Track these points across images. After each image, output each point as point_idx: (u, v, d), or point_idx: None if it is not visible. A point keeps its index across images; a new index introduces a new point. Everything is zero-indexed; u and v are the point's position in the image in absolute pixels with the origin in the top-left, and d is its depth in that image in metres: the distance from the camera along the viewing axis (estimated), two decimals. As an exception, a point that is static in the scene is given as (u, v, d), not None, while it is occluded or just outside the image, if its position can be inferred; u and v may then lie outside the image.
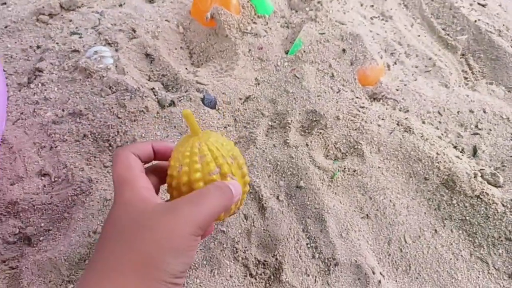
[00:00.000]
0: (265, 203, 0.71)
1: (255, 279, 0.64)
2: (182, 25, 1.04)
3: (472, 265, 0.69)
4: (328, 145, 0.80)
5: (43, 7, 0.97)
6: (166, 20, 1.02)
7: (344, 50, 0.94)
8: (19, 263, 0.61)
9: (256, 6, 1.03)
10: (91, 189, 0.69)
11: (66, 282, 0.59)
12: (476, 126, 0.87)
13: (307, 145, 0.78)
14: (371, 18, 1.14)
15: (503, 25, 1.14)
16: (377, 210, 0.73)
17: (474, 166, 0.78)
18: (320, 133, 0.80)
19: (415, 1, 1.24)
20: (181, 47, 1.01)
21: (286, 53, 0.97)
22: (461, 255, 0.70)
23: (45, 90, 0.81)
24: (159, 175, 0.43)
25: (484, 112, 0.89)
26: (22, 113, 0.78)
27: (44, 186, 0.70)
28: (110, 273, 0.32)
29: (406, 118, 0.84)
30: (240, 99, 0.87)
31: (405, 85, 0.93)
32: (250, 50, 0.96)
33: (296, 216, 0.71)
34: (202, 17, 1.00)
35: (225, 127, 0.82)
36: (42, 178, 0.71)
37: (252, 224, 0.69)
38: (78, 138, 0.75)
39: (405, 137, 0.79)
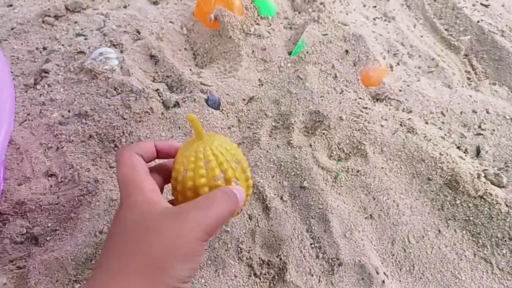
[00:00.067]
0: (269, 204, 0.71)
1: (260, 279, 0.65)
2: (186, 27, 1.04)
3: (476, 265, 0.69)
4: (332, 146, 0.80)
5: (49, 9, 0.97)
6: (170, 22, 1.03)
7: (347, 51, 0.94)
8: (26, 263, 0.61)
9: (259, 8, 1.03)
10: (97, 190, 0.69)
11: (72, 282, 0.60)
12: (479, 127, 0.87)
13: (310, 145, 0.79)
14: (374, 19, 1.15)
15: (506, 25, 1.14)
16: (380, 210, 0.73)
17: (477, 167, 0.79)
18: (324, 133, 0.81)
19: (417, 1, 1.24)
20: (185, 49, 1.01)
21: (289, 54, 0.97)
22: (465, 255, 0.70)
23: (51, 91, 0.82)
24: (163, 175, 0.43)
25: (487, 112, 0.89)
26: (28, 114, 0.79)
27: (51, 186, 0.71)
28: (116, 278, 0.32)
29: (409, 119, 0.84)
30: (244, 100, 0.88)
31: (408, 85, 0.94)
32: (253, 51, 0.97)
33: (300, 216, 0.71)
34: (205, 19, 1.01)
35: (229, 128, 0.83)
36: (49, 178, 0.72)
37: (257, 224, 0.69)
38: (84, 139, 0.76)
39: (408, 138, 0.80)
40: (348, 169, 0.77)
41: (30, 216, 0.67)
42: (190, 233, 0.33)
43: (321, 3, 1.08)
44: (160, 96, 0.82)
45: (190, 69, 0.95)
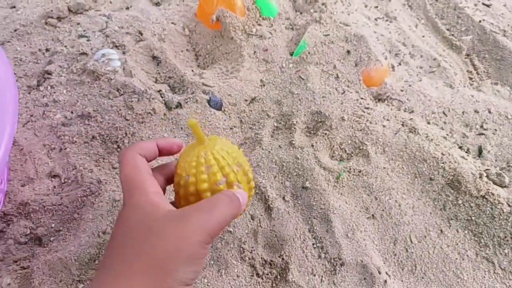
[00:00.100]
0: (271, 204, 0.71)
1: (262, 278, 0.65)
2: (188, 28, 1.05)
3: (478, 265, 0.69)
4: (333, 146, 0.80)
5: (52, 10, 0.98)
6: (172, 23, 1.04)
7: (348, 52, 0.95)
8: (30, 263, 0.62)
9: (261, 8, 1.04)
10: (100, 190, 0.70)
11: (76, 282, 0.60)
12: (481, 126, 0.87)
13: (312, 146, 0.79)
14: (375, 19, 1.15)
15: (508, 25, 1.14)
16: (382, 210, 0.73)
17: (479, 166, 0.79)
18: (325, 134, 0.81)
19: (419, 1, 1.24)
20: (187, 50, 1.02)
21: (291, 54, 0.98)
22: (467, 255, 0.70)
23: (54, 92, 0.83)
24: (165, 175, 0.43)
25: (489, 112, 0.89)
26: (32, 116, 0.79)
27: (54, 187, 0.71)
28: (120, 279, 0.32)
29: (411, 119, 0.85)
30: (246, 100, 0.88)
31: (409, 85, 0.94)
32: (255, 52, 0.97)
33: (302, 216, 0.72)
34: (207, 20, 1.01)
35: (231, 129, 0.83)
36: (52, 179, 0.72)
37: (259, 224, 0.70)
38: (87, 140, 0.76)
39: (410, 138, 0.80)
40: (350, 169, 0.77)
41: (33, 217, 0.67)
42: (193, 236, 0.33)
43: (322, 4, 1.08)
44: (162, 97, 0.83)
45: (192, 70, 0.95)
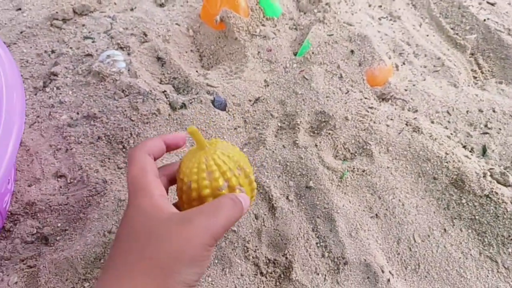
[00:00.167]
0: (275, 203, 0.72)
1: (266, 277, 0.66)
2: (192, 29, 1.05)
3: (482, 264, 0.69)
4: (337, 146, 0.81)
5: (57, 12, 0.99)
6: (176, 24, 1.04)
7: (352, 51, 0.95)
8: (37, 262, 0.63)
9: (264, 9, 1.04)
10: (105, 190, 0.70)
11: (82, 280, 0.61)
12: (486, 126, 0.87)
13: (316, 145, 0.79)
14: (379, 19, 1.15)
15: (513, 24, 1.14)
16: (386, 209, 0.73)
17: (483, 166, 0.79)
18: (329, 133, 0.81)
19: (423, 0, 1.24)
20: (191, 50, 1.02)
21: (295, 54, 0.98)
22: (470, 254, 0.70)
23: (60, 93, 0.84)
24: (168, 176, 0.44)
25: (494, 111, 0.89)
26: (38, 117, 0.80)
27: (60, 187, 0.72)
28: (123, 279, 0.33)
29: (415, 118, 0.85)
30: (250, 100, 0.88)
31: (413, 85, 0.94)
32: (259, 52, 0.98)
33: (306, 215, 0.72)
34: (211, 20, 1.01)
35: (235, 129, 0.83)
36: (58, 179, 0.73)
37: (263, 223, 0.70)
38: (93, 141, 0.77)
39: (414, 137, 0.80)
40: (353, 168, 0.77)
41: (40, 217, 0.68)
42: (197, 238, 0.34)
43: (326, 4, 1.08)
44: (167, 98, 0.83)
45: (197, 71, 0.96)
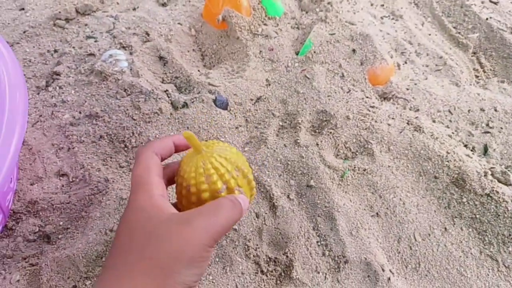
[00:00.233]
0: (276, 202, 0.72)
1: (266, 276, 0.66)
2: (194, 28, 1.06)
3: (482, 262, 0.69)
4: (338, 145, 0.81)
5: (60, 12, 1.00)
6: (178, 23, 1.05)
7: (354, 50, 0.95)
8: (39, 260, 0.63)
9: (266, 8, 1.04)
10: (107, 189, 0.71)
11: (84, 279, 0.62)
12: (487, 125, 0.87)
13: (317, 144, 0.79)
14: (381, 18, 1.15)
15: (515, 22, 1.14)
16: (387, 208, 0.74)
17: (484, 165, 0.78)
18: (330, 132, 0.81)
19: (426, -1, 1.24)
20: (193, 50, 1.03)
21: (297, 54, 0.98)
22: (471, 253, 0.70)
23: (63, 93, 0.84)
24: (167, 176, 0.44)
25: (495, 110, 0.89)
26: (41, 116, 0.81)
27: (63, 186, 0.72)
28: (123, 279, 0.33)
29: (416, 117, 0.85)
30: (251, 100, 0.88)
31: (415, 84, 0.94)
32: (261, 51, 0.98)
33: (307, 214, 0.72)
34: (213, 20, 1.02)
35: (236, 128, 0.84)
36: (61, 178, 0.73)
37: (264, 222, 0.70)
38: (95, 139, 0.77)
39: (415, 136, 0.80)
40: (354, 167, 0.77)
41: (42, 215, 0.68)
42: (197, 239, 0.34)
43: (328, 3, 1.08)
44: (169, 97, 0.84)
45: (199, 70, 0.96)
